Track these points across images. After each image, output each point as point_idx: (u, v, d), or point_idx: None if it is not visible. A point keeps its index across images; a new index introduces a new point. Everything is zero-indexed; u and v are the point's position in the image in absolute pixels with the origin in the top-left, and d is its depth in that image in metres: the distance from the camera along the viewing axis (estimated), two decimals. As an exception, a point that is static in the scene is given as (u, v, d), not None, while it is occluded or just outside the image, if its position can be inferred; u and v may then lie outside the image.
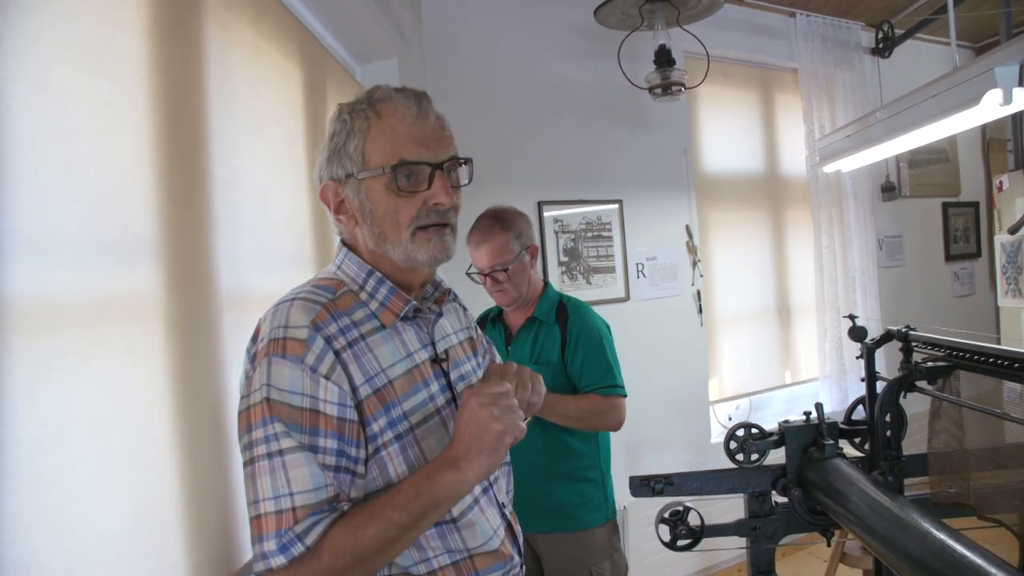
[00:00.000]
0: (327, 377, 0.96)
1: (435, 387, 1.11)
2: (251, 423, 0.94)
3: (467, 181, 1.14)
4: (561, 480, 2.19)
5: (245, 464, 0.94)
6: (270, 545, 0.89)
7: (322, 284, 1.08)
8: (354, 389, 1.00)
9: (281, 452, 0.92)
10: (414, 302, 1.11)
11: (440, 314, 1.20)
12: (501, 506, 1.19)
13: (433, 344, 1.15)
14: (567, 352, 2.17)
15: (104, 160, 0.85)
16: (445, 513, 1.02)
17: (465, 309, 1.38)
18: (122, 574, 0.79)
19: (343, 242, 1.14)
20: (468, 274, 2.17)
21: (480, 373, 1.28)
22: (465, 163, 1.13)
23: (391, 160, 1.04)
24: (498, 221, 2.13)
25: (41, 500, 0.69)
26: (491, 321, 2.29)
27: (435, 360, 1.14)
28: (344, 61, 2.35)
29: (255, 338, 1.00)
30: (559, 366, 2.16)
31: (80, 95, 0.81)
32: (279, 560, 0.88)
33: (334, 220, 1.12)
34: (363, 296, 1.08)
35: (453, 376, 1.16)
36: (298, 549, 0.89)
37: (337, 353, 0.99)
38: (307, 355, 0.96)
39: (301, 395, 0.94)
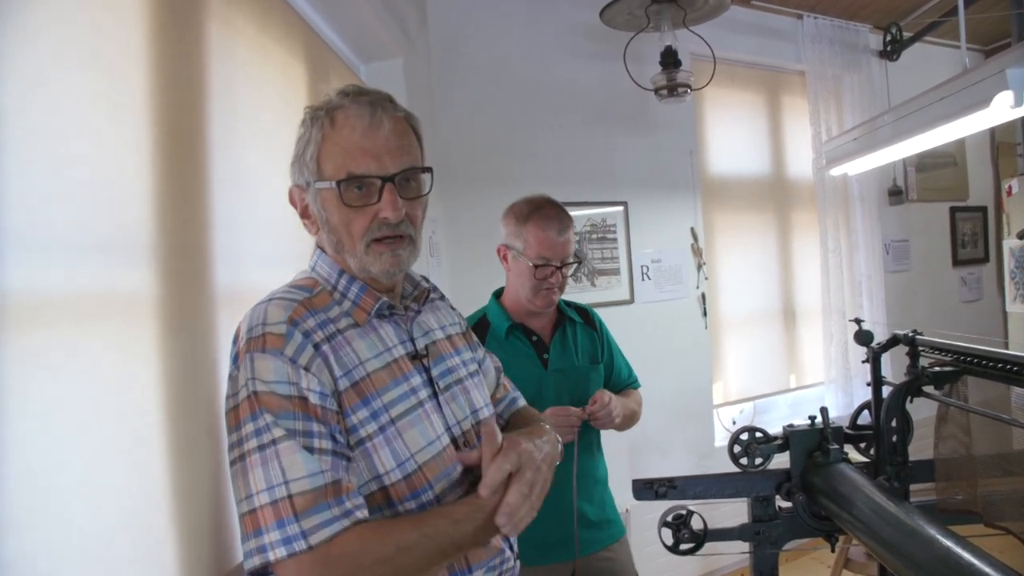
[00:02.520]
0: (307, 369, 0.97)
1: (416, 381, 1.11)
2: (240, 419, 0.94)
3: (427, 190, 1.13)
4: (598, 488, 2.11)
5: (234, 461, 0.93)
6: (272, 536, 0.87)
7: (298, 284, 1.10)
8: (334, 380, 1.00)
9: (274, 442, 0.91)
10: (386, 299, 1.12)
11: (419, 311, 1.21)
12: None
13: (412, 340, 1.16)
14: (604, 351, 2.12)
15: (100, 157, 0.84)
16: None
17: (455, 310, 1.38)
18: (111, 575, 0.77)
19: (317, 243, 1.16)
20: (535, 264, 1.90)
21: (474, 367, 1.30)
22: (424, 171, 1.12)
23: (340, 173, 1.04)
24: (565, 213, 1.98)
25: (29, 499, 0.68)
26: (510, 332, 2.01)
27: (415, 356, 1.14)
28: (348, 60, 2.34)
29: (235, 340, 1.01)
30: (605, 365, 2.11)
31: (77, 91, 0.80)
32: (280, 552, 0.87)
33: (303, 222, 1.14)
34: (336, 296, 1.10)
35: (435, 372, 1.17)
36: (300, 545, 0.87)
37: (316, 346, 1.00)
38: (286, 347, 0.97)
39: (288, 384, 0.95)
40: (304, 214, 1.13)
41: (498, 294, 2.08)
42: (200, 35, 1.16)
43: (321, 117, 1.06)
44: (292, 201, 1.13)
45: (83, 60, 0.82)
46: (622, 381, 2.15)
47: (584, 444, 2.02)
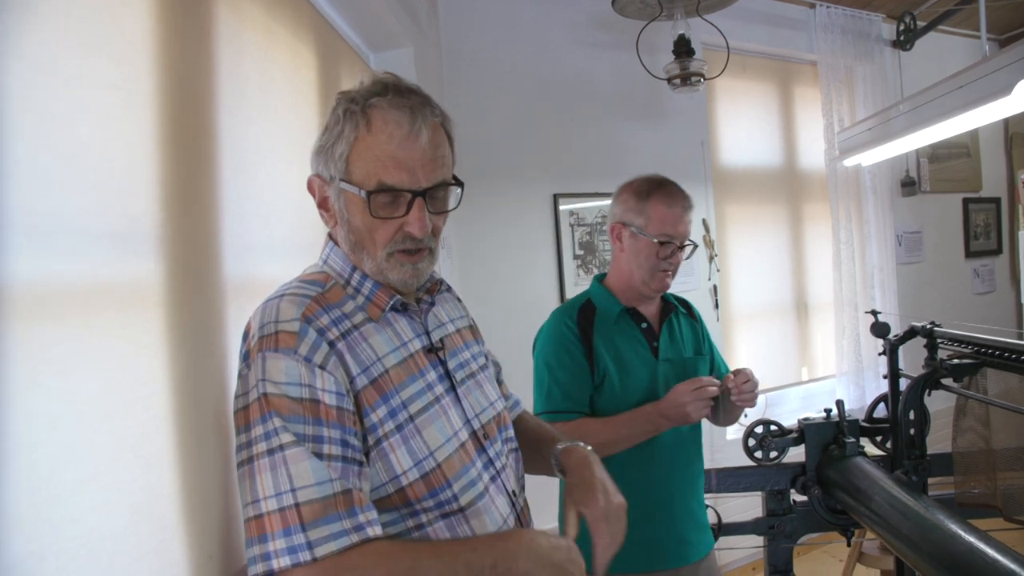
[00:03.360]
0: (322, 367, 0.94)
1: (432, 376, 1.09)
2: (249, 421, 0.91)
3: (454, 206, 1.09)
4: (700, 487, 1.98)
5: (242, 463, 0.90)
6: (277, 544, 0.84)
7: (310, 279, 1.06)
8: (351, 379, 0.97)
9: (282, 447, 0.88)
10: (400, 296, 1.09)
11: (432, 304, 1.19)
12: (511, 495, 1.16)
13: (427, 333, 1.14)
14: (705, 343, 2.01)
15: (107, 144, 0.82)
16: None
17: (460, 301, 1.35)
18: (119, 573, 0.76)
19: (330, 235, 1.12)
20: (659, 241, 1.78)
21: (483, 360, 1.27)
22: (456, 185, 1.08)
23: (370, 182, 1.00)
24: (686, 193, 1.88)
25: (36, 496, 0.66)
26: (621, 317, 1.86)
27: (430, 349, 1.12)
28: (359, 49, 2.31)
29: (245, 337, 0.98)
30: (707, 358, 2.00)
31: (82, 76, 0.78)
32: (284, 561, 0.84)
33: (320, 212, 1.10)
34: (350, 290, 1.06)
35: (451, 364, 1.15)
36: (304, 556, 0.84)
37: (331, 344, 0.96)
38: (300, 346, 0.93)
39: (299, 386, 0.92)
40: (323, 205, 1.08)
41: (600, 278, 1.95)
42: (208, 19, 1.14)
43: (356, 114, 1.00)
44: (311, 189, 1.08)
45: (90, 45, 0.80)
46: (720, 376, 1.95)
47: (692, 437, 1.92)
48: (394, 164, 0.99)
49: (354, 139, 1.00)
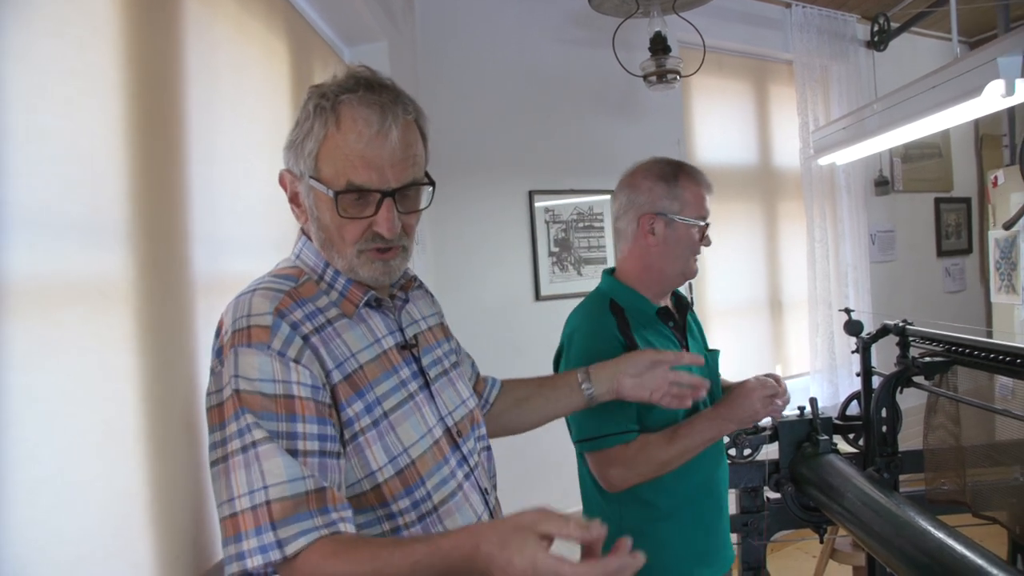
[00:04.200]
0: (297, 361, 0.92)
1: (406, 373, 1.08)
2: (223, 419, 0.89)
3: (426, 205, 1.07)
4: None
5: (216, 462, 0.89)
6: (250, 543, 0.83)
7: (282, 273, 1.04)
8: (327, 374, 0.96)
9: (254, 444, 0.87)
10: (374, 291, 1.08)
11: (406, 300, 1.18)
12: (484, 492, 1.15)
13: (401, 330, 1.13)
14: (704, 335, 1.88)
15: (70, 133, 0.79)
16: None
17: (432, 296, 1.34)
18: (84, 574, 0.74)
19: (302, 230, 1.10)
20: (703, 225, 1.67)
21: (454, 358, 1.26)
22: (427, 184, 1.06)
23: (339, 181, 0.98)
24: None
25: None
26: (660, 315, 1.70)
27: (404, 346, 1.11)
28: (332, 43, 2.29)
29: (218, 333, 0.96)
30: None
31: (45, 62, 0.76)
32: (256, 560, 0.83)
33: (291, 207, 1.08)
34: (323, 285, 1.05)
35: (425, 362, 1.14)
36: (275, 555, 0.83)
37: (305, 338, 0.95)
38: (273, 340, 0.92)
39: (273, 382, 0.90)
40: (294, 200, 1.06)
41: (610, 272, 1.78)
42: (177, 9, 1.11)
43: (326, 110, 0.98)
44: (283, 184, 1.06)
45: (49, 28, 0.77)
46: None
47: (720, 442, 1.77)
48: (362, 163, 0.97)
49: (323, 136, 0.98)
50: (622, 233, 1.72)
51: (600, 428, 1.56)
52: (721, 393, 1.74)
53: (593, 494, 1.69)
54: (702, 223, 1.66)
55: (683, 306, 1.80)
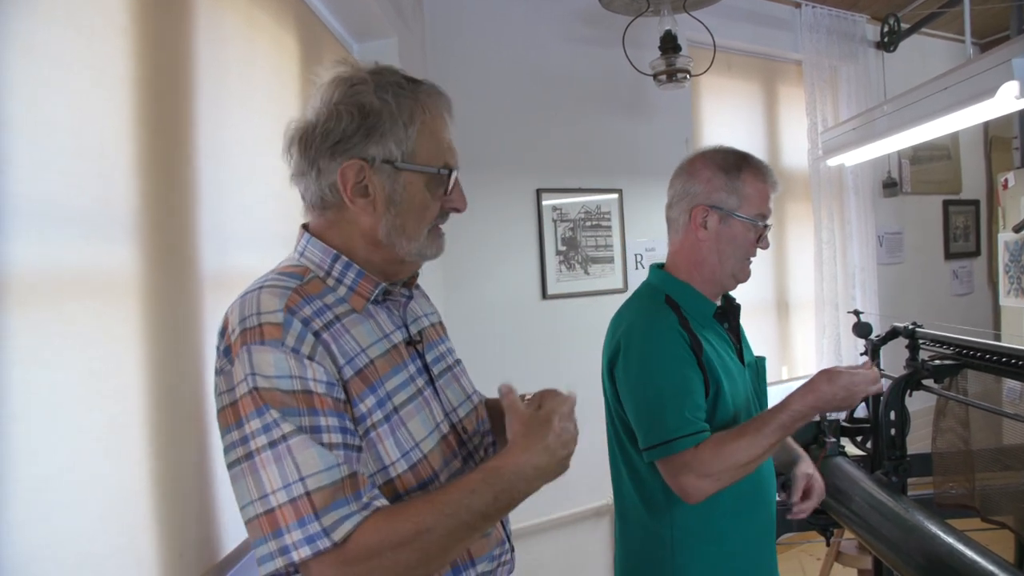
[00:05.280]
0: (310, 358, 0.92)
1: (413, 368, 1.08)
2: (241, 417, 0.88)
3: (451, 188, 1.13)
4: None
5: (238, 461, 0.87)
6: (294, 536, 0.83)
7: (287, 271, 1.03)
8: (338, 370, 0.95)
9: (284, 438, 0.86)
10: (384, 284, 1.08)
11: (410, 296, 1.18)
12: None
13: (406, 326, 1.13)
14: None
15: (79, 125, 0.79)
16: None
17: (428, 297, 1.33)
18: (88, 571, 0.73)
19: (305, 227, 1.08)
20: (762, 224, 1.55)
21: (457, 356, 1.25)
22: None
23: (438, 161, 1.05)
24: None
25: (-2, 492, 0.63)
26: (715, 315, 1.58)
27: (410, 342, 1.11)
28: (342, 38, 2.28)
29: (223, 332, 0.94)
30: None
31: (54, 53, 0.75)
32: (304, 552, 0.82)
33: (343, 200, 1.02)
34: (330, 282, 1.04)
35: (429, 358, 1.14)
36: (324, 543, 0.83)
37: (316, 334, 0.94)
38: (287, 337, 0.91)
39: (290, 378, 0.89)
40: (358, 192, 1.02)
41: (659, 266, 1.65)
42: (187, 2, 1.10)
43: (409, 98, 1.03)
44: (344, 178, 1.01)
45: (57, 18, 0.76)
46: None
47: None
48: (449, 147, 1.08)
49: (420, 122, 1.03)
50: (673, 223, 1.60)
51: (666, 430, 1.40)
52: (767, 402, 1.63)
53: (635, 508, 1.55)
54: (761, 223, 1.53)
55: (734, 307, 1.65)
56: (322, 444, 0.87)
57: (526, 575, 1.70)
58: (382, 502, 0.90)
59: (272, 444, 0.85)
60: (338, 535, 0.83)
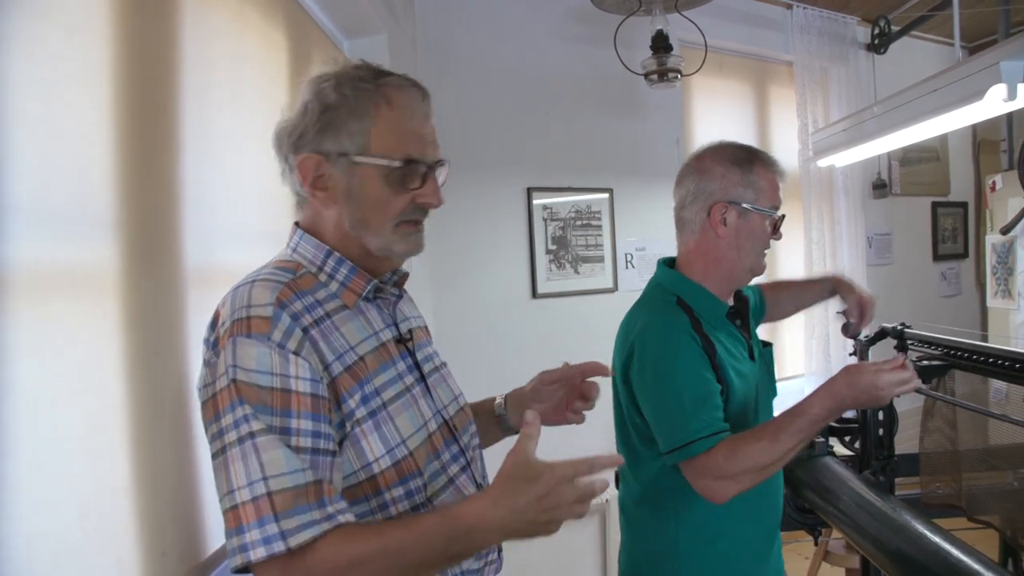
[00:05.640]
0: (296, 353, 0.91)
1: (402, 366, 1.09)
2: (219, 410, 0.88)
3: (443, 182, 1.12)
4: None
5: (216, 454, 0.88)
6: (253, 535, 0.83)
7: (280, 266, 1.04)
8: (326, 366, 0.95)
9: (252, 435, 0.86)
10: (376, 281, 1.08)
11: (400, 296, 1.18)
12: (479, 487, 1.15)
13: (396, 324, 1.13)
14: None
15: (57, 119, 0.78)
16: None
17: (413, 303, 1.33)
18: (64, 571, 0.72)
19: (297, 224, 1.09)
20: (778, 216, 1.56)
21: (442, 359, 1.25)
22: (446, 163, 1.12)
23: (397, 154, 1.02)
24: None
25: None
26: (730, 318, 1.57)
27: (399, 340, 1.11)
28: (332, 34, 2.27)
29: (213, 325, 0.94)
30: None
31: (31, 45, 0.74)
32: (260, 553, 0.82)
33: (306, 193, 1.05)
34: (322, 277, 1.04)
35: (420, 356, 1.15)
36: (279, 547, 0.82)
37: (305, 330, 0.94)
38: (273, 332, 0.91)
39: (271, 375, 0.89)
40: (317, 185, 1.04)
41: (669, 263, 1.63)
42: (173, -4, 1.09)
43: (371, 91, 1.02)
44: (303, 169, 1.03)
45: (36, 11, 0.75)
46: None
47: None
48: (415, 139, 1.04)
49: (375, 115, 1.02)
50: (687, 223, 1.57)
51: (686, 432, 1.38)
52: (776, 390, 1.64)
53: (641, 508, 1.57)
54: (776, 214, 1.54)
55: (742, 301, 1.65)
56: (289, 447, 0.87)
57: (515, 574, 1.70)
58: (347, 517, 0.89)
59: (240, 440, 0.86)
60: (295, 541, 0.83)
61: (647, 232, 3.61)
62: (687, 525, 1.50)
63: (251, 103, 1.45)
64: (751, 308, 1.69)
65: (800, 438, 1.37)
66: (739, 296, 1.64)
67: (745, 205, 1.50)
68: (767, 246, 1.56)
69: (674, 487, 1.44)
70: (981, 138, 5.00)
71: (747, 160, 1.53)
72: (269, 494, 0.84)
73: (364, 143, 1.02)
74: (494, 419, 1.36)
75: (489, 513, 0.87)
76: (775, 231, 1.55)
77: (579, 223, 3.39)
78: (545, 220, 3.30)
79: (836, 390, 1.36)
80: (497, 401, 1.38)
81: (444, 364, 1.25)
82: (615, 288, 3.49)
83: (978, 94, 1.99)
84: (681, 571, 1.51)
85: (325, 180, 1.03)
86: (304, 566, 0.83)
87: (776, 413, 1.48)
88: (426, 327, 1.30)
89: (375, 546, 0.85)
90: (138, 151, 0.93)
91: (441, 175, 1.11)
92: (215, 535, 1.07)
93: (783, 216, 1.55)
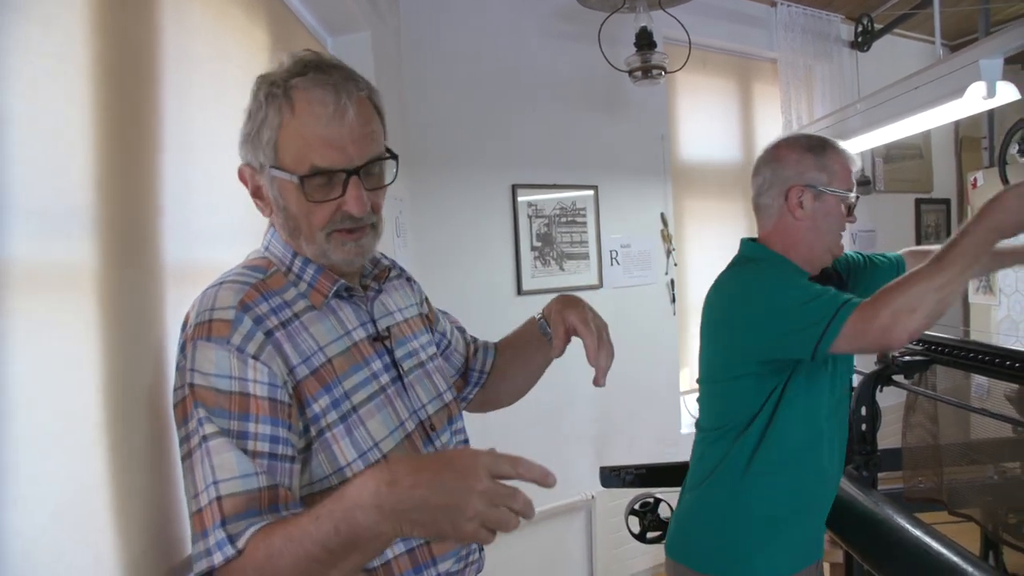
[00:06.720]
0: (255, 357, 0.91)
1: (377, 365, 1.06)
2: (185, 415, 0.88)
3: (391, 180, 1.06)
4: None
5: (184, 458, 0.88)
6: (211, 540, 0.82)
7: (252, 265, 1.03)
8: (290, 370, 0.94)
9: (206, 439, 0.86)
10: (343, 281, 1.06)
11: (379, 291, 1.15)
12: None
13: (373, 322, 1.10)
14: None
15: (34, 115, 0.76)
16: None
17: (412, 282, 1.31)
18: (40, 570, 0.71)
19: (272, 221, 1.08)
20: (853, 198, 1.62)
21: (432, 350, 1.23)
22: (390, 159, 1.04)
23: (302, 166, 0.96)
24: None
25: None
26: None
27: (376, 338, 1.09)
28: (315, 31, 2.26)
29: (184, 326, 0.94)
30: None
31: (5, 39, 0.73)
32: (218, 557, 0.81)
33: (253, 201, 1.05)
34: (291, 277, 1.03)
35: (399, 354, 1.11)
36: (228, 551, 0.81)
37: (269, 333, 0.93)
38: (233, 335, 0.90)
39: (229, 378, 0.89)
40: (256, 194, 1.04)
41: (753, 239, 1.71)
42: (152, -8, 1.08)
43: (279, 98, 0.96)
44: (243, 179, 1.04)
45: (12, 4, 0.74)
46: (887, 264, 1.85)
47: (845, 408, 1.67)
48: (323, 145, 0.95)
49: (279, 124, 0.97)
50: (765, 209, 1.65)
51: (830, 307, 1.37)
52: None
53: (716, 432, 1.63)
54: (851, 195, 1.60)
55: (827, 275, 1.69)
56: (245, 451, 0.85)
57: (501, 572, 1.69)
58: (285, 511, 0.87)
59: (199, 444, 0.85)
60: (242, 543, 0.81)
61: (632, 229, 3.62)
62: (762, 453, 1.53)
63: (233, 101, 1.43)
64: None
65: (963, 264, 1.31)
66: (823, 272, 1.67)
67: (820, 188, 1.57)
68: (843, 228, 1.62)
69: (752, 416, 1.52)
70: (963, 135, 5.04)
71: (820, 146, 1.60)
72: (219, 498, 0.83)
73: (274, 155, 0.98)
74: (536, 334, 1.34)
75: (369, 484, 0.75)
76: (850, 213, 1.61)
77: (564, 220, 3.40)
78: (530, 217, 3.30)
79: (1006, 204, 1.29)
80: (536, 317, 1.36)
81: (432, 358, 1.21)
82: (600, 285, 3.50)
83: (958, 92, 2.01)
84: (747, 490, 1.55)
85: (261, 189, 1.03)
86: (242, 566, 0.81)
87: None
88: (421, 315, 1.27)
89: (281, 536, 0.80)
90: (117, 148, 0.92)
91: (388, 173, 1.04)
92: (196, 534, 1.06)
93: (858, 198, 1.61)
